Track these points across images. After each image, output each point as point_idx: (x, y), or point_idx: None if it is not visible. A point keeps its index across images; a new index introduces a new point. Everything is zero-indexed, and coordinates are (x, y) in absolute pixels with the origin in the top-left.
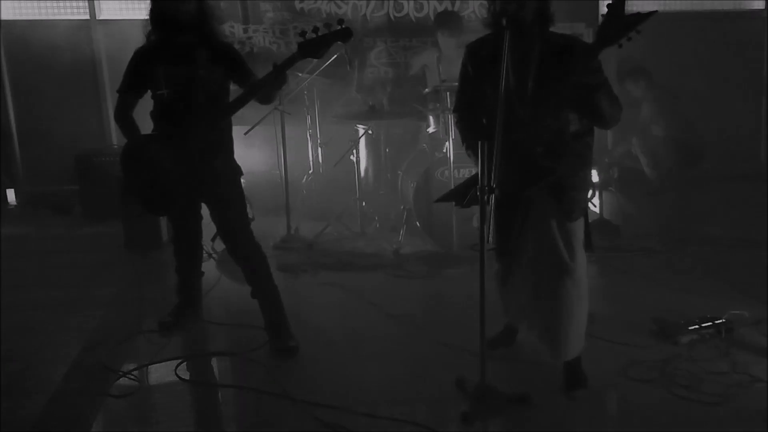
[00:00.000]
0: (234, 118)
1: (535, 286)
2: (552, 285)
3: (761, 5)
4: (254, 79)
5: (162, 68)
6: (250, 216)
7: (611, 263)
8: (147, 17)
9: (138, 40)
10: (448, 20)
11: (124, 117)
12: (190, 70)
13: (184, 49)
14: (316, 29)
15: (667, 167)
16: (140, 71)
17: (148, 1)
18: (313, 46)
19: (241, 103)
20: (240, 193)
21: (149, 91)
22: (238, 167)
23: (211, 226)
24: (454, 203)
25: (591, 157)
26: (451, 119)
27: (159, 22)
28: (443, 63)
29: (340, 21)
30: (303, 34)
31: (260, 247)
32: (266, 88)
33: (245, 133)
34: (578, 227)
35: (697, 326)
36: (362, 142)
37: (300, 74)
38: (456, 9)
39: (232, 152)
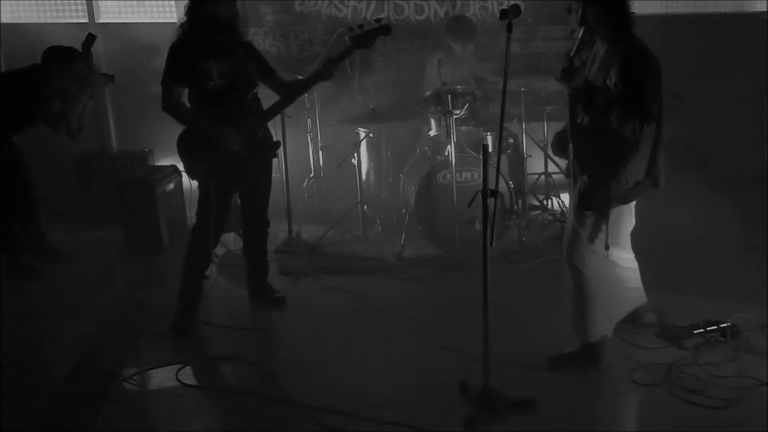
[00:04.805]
0: None
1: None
2: (570, 264)
3: (762, 6)
4: (277, 76)
5: (208, 62)
6: None
7: None
8: (185, 14)
9: (137, 42)
10: (460, 26)
11: (174, 105)
12: (232, 64)
13: (224, 45)
14: (360, 26)
15: (670, 170)
16: (183, 64)
17: (190, 2)
18: (363, 39)
19: (303, 88)
20: (270, 167)
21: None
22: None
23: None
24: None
25: (623, 158)
26: (452, 122)
27: (209, 22)
28: (446, 66)
29: (378, 20)
30: (350, 30)
31: (269, 223)
32: (317, 82)
33: None
34: (595, 222)
35: (702, 330)
36: (363, 145)
37: (300, 78)
38: (457, 11)
39: (267, 127)
